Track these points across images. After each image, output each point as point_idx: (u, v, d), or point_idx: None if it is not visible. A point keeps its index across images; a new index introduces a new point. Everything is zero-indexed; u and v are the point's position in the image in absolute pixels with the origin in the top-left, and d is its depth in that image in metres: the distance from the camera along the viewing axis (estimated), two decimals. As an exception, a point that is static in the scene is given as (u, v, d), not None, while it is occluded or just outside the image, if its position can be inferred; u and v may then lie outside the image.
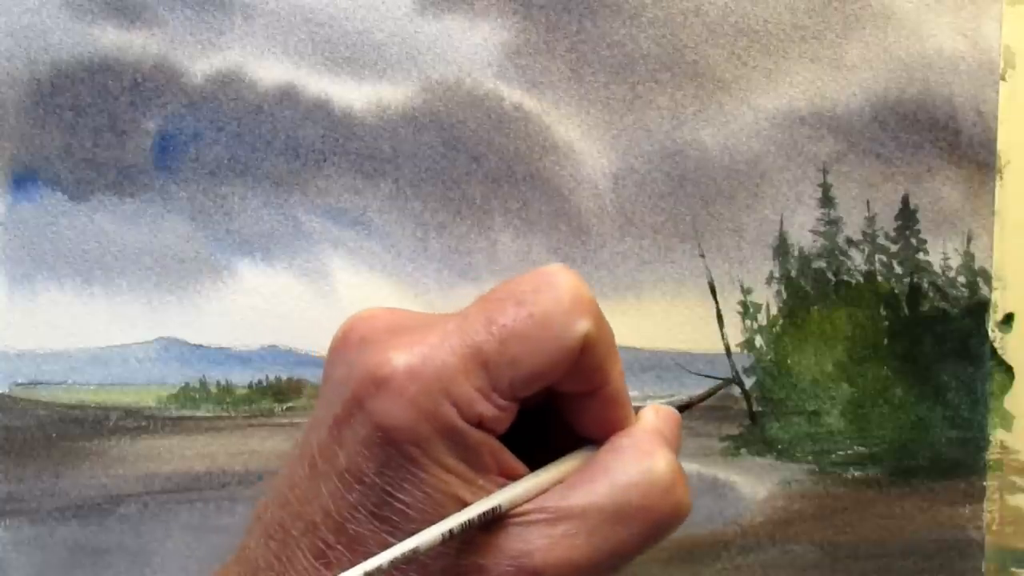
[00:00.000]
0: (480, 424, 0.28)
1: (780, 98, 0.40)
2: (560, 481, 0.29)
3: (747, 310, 0.40)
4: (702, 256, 0.40)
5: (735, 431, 0.40)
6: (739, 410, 0.41)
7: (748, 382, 0.40)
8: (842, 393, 0.41)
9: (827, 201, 0.40)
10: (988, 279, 0.41)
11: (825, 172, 0.40)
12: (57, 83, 0.39)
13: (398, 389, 0.27)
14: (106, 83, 0.39)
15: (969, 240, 0.41)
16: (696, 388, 0.41)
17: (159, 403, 0.39)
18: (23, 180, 0.39)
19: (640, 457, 0.29)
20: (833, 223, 0.40)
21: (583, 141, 0.39)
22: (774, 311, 0.40)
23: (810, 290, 0.41)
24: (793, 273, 0.40)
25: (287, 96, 0.39)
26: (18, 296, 0.39)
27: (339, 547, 0.28)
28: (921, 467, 0.41)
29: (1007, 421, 0.41)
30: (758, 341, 0.40)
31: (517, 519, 0.28)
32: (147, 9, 0.39)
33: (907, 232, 0.41)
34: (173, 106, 0.39)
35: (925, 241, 0.41)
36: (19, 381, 0.39)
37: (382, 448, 0.27)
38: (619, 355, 0.30)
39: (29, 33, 0.38)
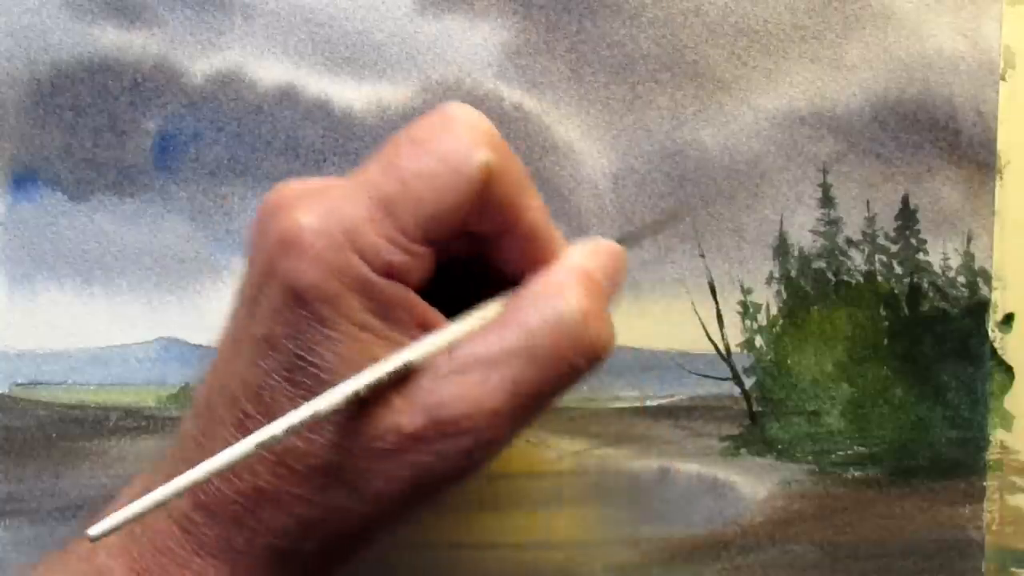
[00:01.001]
0: (391, 274, 0.27)
1: (780, 98, 0.40)
2: (474, 330, 0.29)
3: (747, 310, 0.40)
4: (702, 256, 0.40)
5: (735, 431, 0.40)
6: (739, 410, 0.41)
7: (748, 382, 0.41)
8: (842, 393, 0.41)
9: (827, 201, 0.40)
10: (988, 279, 0.41)
11: (825, 172, 0.40)
12: (57, 83, 0.39)
13: (305, 247, 0.26)
14: (106, 83, 0.39)
15: (969, 240, 0.41)
16: (696, 388, 0.41)
17: (159, 403, 0.39)
18: (23, 180, 0.39)
19: (551, 295, 0.28)
20: (833, 223, 0.40)
21: (583, 141, 0.39)
22: (774, 311, 0.40)
23: (810, 290, 0.41)
24: (793, 273, 0.40)
25: (287, 96, 0.39)
26: (18, 296, 0.39)
27: (257, 416, 0.27)
28: (921, 467, 0.41)
29: (1007, 421, 0.41)
30: (758, 341, 0.40)
31: (429, 372, 0.27)
32: (147, 9, 0.39)
33: (907, 232, 0.41)
34: (173, 106, 0.39)
35: (925, 241, 0.41)
36: (19, 381, 0.39)
37: (292, 310, 0.27)
38: (535, 191, 0.29)
39: (29, 33, 0.38)
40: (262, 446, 0.25)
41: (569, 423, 0.40)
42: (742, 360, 0.40)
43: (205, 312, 0.39)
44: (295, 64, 0.39)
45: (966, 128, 0.40)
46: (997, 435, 0.41)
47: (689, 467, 0.40)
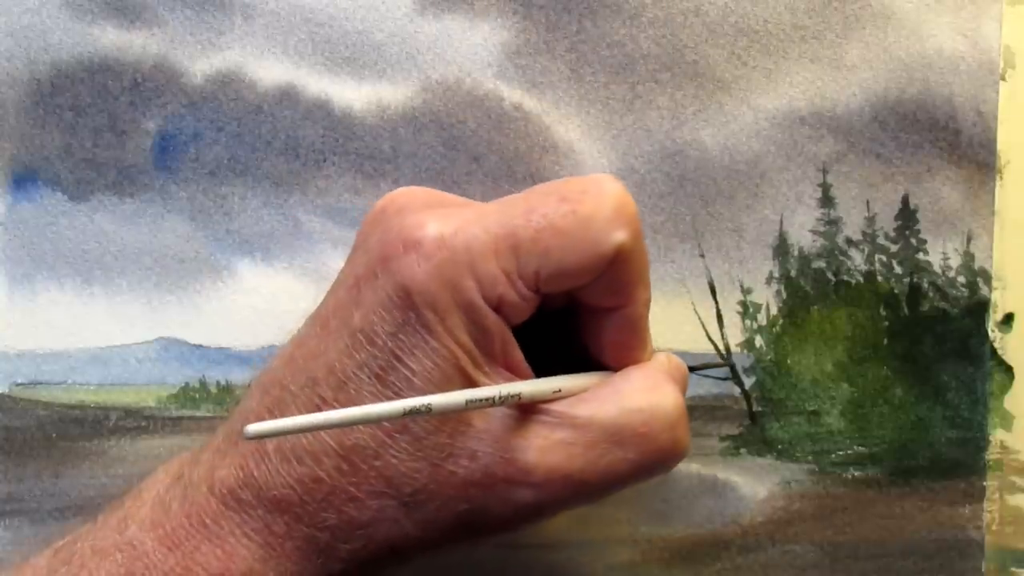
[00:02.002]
0: (499, 308, 0.27)
1: (780, 98, 0.40)
2: (571, 394, 0.29)
3: (747, 310, 0.40)
4: (702, 256, 0.40)
5: (735, 431, 0.40)
6: (739, 410, 0.41)
7: (748, 382, 0.41)
8: (842, 393, 0.41)
9: (827, 201, 0.40)
10: (988, 279, 0.41)
11: (825, 172, 0.40)
12: (57, 83, 0.39)
13: (426, 253, 0.26)
14: (106, 83, 0.39)
15: (969, 240, 0.41)
16: (696, 388, 0.41)
17: (159, 403, 0.39)
18: (23, 180, 0.39)
19: (651, 387, 0.29)
20: (833, 223, 0.40)
21: (583, 141, 0.39)
22: (774, 311, 0.40)
23: (810, 290, 0.41)
24: (793, 273, 0.40)
25: (287, 96, 0.39)
26: (18, 296, 0.39)
27: (335, 404, 0.27)
28: (921, 467, 0.41)
29: (1007, 421, 0.41)
30: (758, 341, 0.40)
31: (520, 415, 0.28)
32: (147, 9, 0.39)
33: (907, 232, 0.41)
34: (173, 106, 0.39)
35: (925, 241, 0.41)
36: (19, 381, 0.39)
37: (400, 310, 0.27)
38: (649, 286, 0.30)
39: (29, 33, 0.39)
40: (410, 412, 0.25)
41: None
42: (742, 360, 0.40)
43: (205, 312, 0.39)
44: (295, 64, 0.39)
45: (966, 128, 0.40)
46: (997, 435, 0.41)
47: (689, 467, 0.40)
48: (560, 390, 0.28)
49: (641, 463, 0.28)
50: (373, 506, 0.28)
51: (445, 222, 0.27)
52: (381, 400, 0.27)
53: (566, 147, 0.39)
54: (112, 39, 0.39)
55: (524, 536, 0.40)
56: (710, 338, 0.40)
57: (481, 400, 0.26)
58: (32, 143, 0.39)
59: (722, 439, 0.40)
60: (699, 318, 0.40)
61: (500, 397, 0.27)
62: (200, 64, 0.39)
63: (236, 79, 0.39)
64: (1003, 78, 0.40)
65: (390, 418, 0.25)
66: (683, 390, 0.31)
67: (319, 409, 0.27)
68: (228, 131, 0.39)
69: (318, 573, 0.28)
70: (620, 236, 0.28)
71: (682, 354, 0.40)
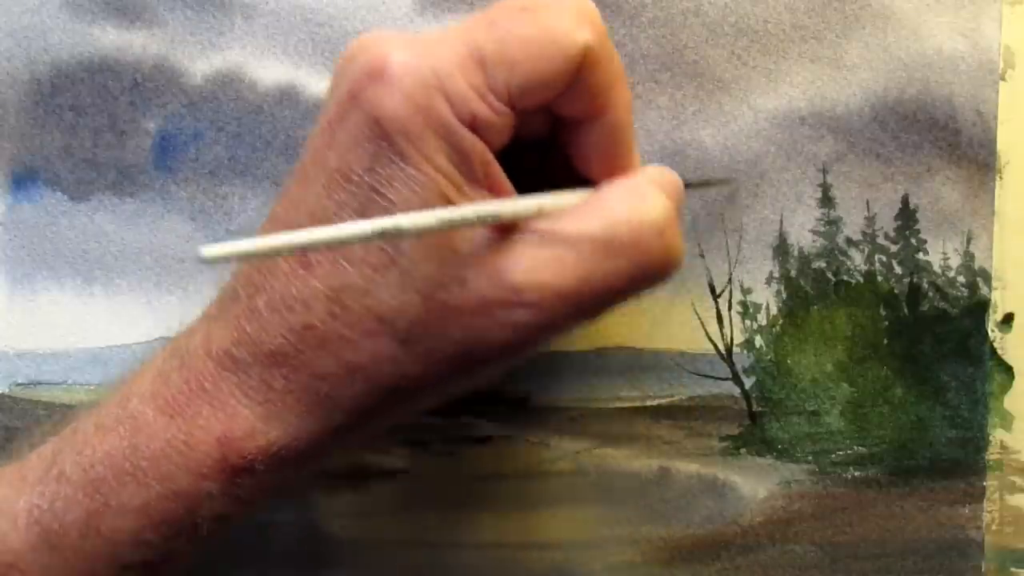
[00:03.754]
0: (474, 126, 0.27)
1: (780, 98, 0.40)
2: (556, 211, 0.28)
3: (747, 310, 0.40)
4: (702, 256, 0.40)
5: (735, 431, 0.40)
6: (739, 410, 0.41)
7: (748, 382, 0.41)
8: (842, 393, 0.41)
9: (827, 201, 0.40)
10: (988, 279, 0.41)
11: (825, 172, 0.40)
12: (57, 83, 0.39)
13: (393, 80, 0.26)
14: (106, 83, 0.39)
15: (969, 240, 0.41)
16: (696, 388, 0.41)
17: (159, 403, 0.39)
18: (23, 180, 0.39)
19: (637, 197, 0.28)
20: (833, 223, 0.40)
21: (583, 141, 0.39)
22: (774, 311, 0.40)
23: (810, 290, 0.41)
24: (793, 273, 0.40)
25: (287, 96, 0.39)
26: (18, 296, 0.39)
27: (321, 249, 0.27)
28: (921, 467, 0.41)
29: (1007, 421, 0.41)
30: (758, 341, 0.40)
31: (505, 236, 0.27)
32: (147, 9, 0.39)
33: (907, 232, 0.41)
34: (173, 106, 0.39)
35: (925, 241, 0.41)
36: (19, 381, 0.39)
37: (373, 142, 0.26)
38: (628, 89, 0.29)
39: (29, 33, 0.39)
40: (378, 234, 0.25)
41: (569, 423, 0.40)
42: (742, 360, 0.40)
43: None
44: (295, 64, 0.39)
45: (966, 128, 0.40)
46: (997, 435, 0.41)
47: (689, 467, 0.40)
48: (543, 207, 0.28)
49: (634, 273, 0.28)
50: (369, 347, 0.27)
51: (408, 49, 0.27)
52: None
53: (566, 147, 0.39)
54: (112, 39, 0.39)
55: (524, 536, 0.40)
56: (710, 338, 0.40)
57: (456, 220, 0.26)
58: (32, 143, 0.39)
59: (722, 439, 0.40)
60: (699, 318, 0.40)
61: (478, 216, 0.26)
62: (200, 64, 0.39)
63: (236, 79, 0.39)
64: (1003, 78, 0.40)
65: (359, 240, 0.25)
66: (675, 200, 0.29)
67: (307, 262, 0.27)
68: (228, 131, 0.39)
69: (322, 424, 0.28)
70: (584, 36, 0.27)
71: (682, 354, 0.40)
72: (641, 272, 0.28)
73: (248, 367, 0.28)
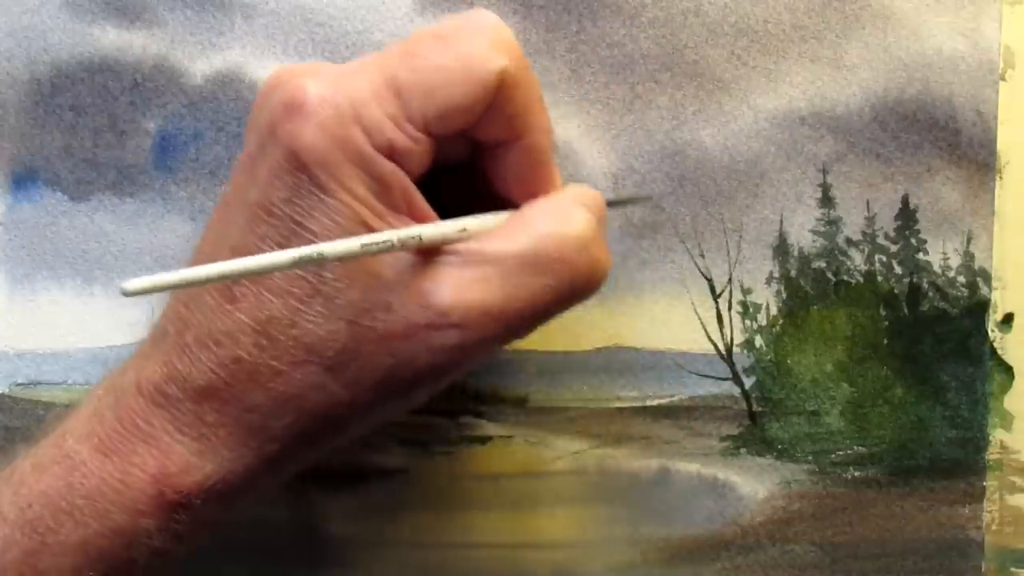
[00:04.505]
0: (392, 155, 0.27)
1: (780, 98, 0.40)
2: (479, 233, 0.28)
3: (747, 310, 0.40)
4: (702, 256, 0.40)
5: (735, 431, 0.40)
6: (739, 410, 0.41)
7: (748, 382, 0.41)
8: (842, 393, 0.41)
9: (827, 201, 0.40)
10: (988, 279, 0.41)
11: (825, 172, 0.40)
12: (57, 83, 0.39)
13: (309, 113, 0.26)
14: (106, 83, 0.39)
15: (969, 240, 0.41)
16: (696, 388, 0.41)
17: (159, 403, 0.39)
18: (23, 180, 0.39)
19: (559, 213, 0.28)
20: (833, 223, 0.40)
21: (583, 141, 0.39)
22: (774, 311, 0.40)
23: (810, 290, 0.41)
24: (793, 273, 0.40)
25: (287, 96, 0.39)
26: (18, 296, 0.39)
27: (245, 282, 0.27)
28: (921, 467, 0.41)
29: (1007, 421, 0.41)
30: (758, 341, 0.40)
31: (429, 260, 0.27)
32: (147, 9, 0.39)
33: (907, 232, 0.41)
34: (173, 106, 0.39)
35: (925, 241, 0.41)
36: (19, 381, 0.39)
37: (292, 174, 0.26)
38: (546, 113, 0.30)
39: (29, 33, 0.39)
40: (301, 262, 0.25)
41: (569, 423, 0.40)
42: (742, 360, 0.40)
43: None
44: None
45: (966, 128, 0.40)
46: (997, 435, 0.41)
47: (689, 467, 0.40)
48: (466, 229, 0.28)
49: (560, 288, 0.28)
50: (298, 376, 0.27)
51: (324, 81, 0.27)
52: (290, 273, 0.27)
53: (566, 147, 0.39)
54: (112, 39, 0.39)
55: (524, 536, 0.40)
56: (710, 338, 0.40)
57: (377, 244, 0.26)
58: (32, 143, 0.39)
59: (722, 439, 0.40)
60: (699, 318, 0.40)
61: (399, 240, 0.26)
62: (200, 64, 0.39)
63: (236, 79, 0.39)
64: (1003, 78, 0.40)
65: (280, 268, 0.25)
66: (597, 216, 0.30)
67: (232, 295, 0.27)
68: (228, 131, 0.39)
69: (256, 456, 0.28)
70: (499, 62, 0.27)
71: (682, 354, 0.40)
72: (567, 287, 0.28)
73: (179, 403, 0.28)
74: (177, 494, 0.28)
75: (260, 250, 0.27)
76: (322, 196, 0.26)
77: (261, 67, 0.39)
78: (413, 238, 0.26)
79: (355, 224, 0.26)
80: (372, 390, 0.28)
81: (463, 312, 0.27)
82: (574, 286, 0.28)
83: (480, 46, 0.27)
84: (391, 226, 0.27)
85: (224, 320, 0.27)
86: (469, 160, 0.31)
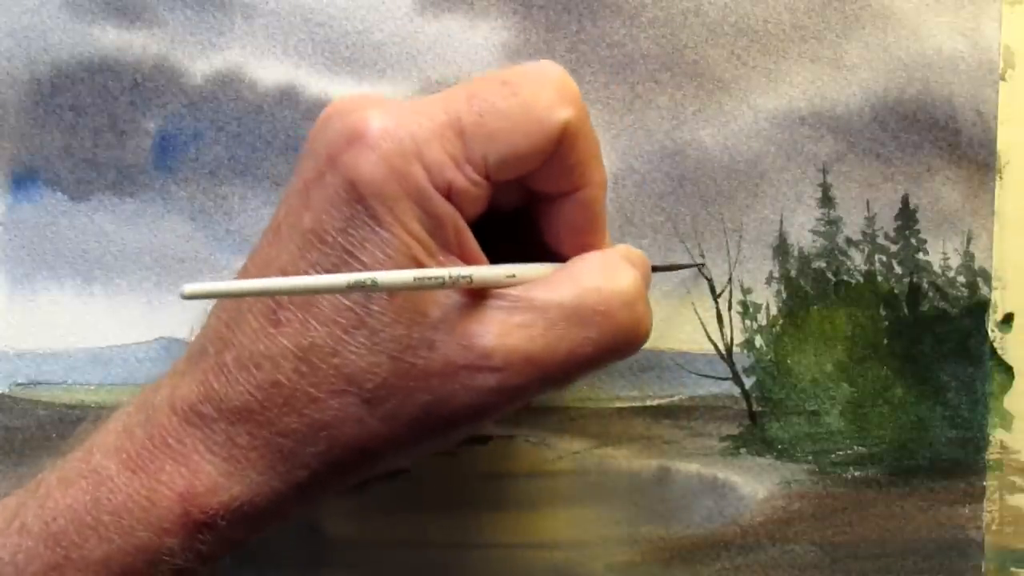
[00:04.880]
0: (449, 195, 0.27)
1: (780, 98, 0.40)
2: (526, 280, 0.29)
3: (747, 310, 0.40)
4: (702, 256, 0.40)
5: (735, 431, 0.40)
6: (739, 410, 0.41)
7: (748, 382, 0.41)
8: (842, 393, 0.41)
9: (827, 201, 0.40)
10: (988, 279, 0.41)
11: (825, 172, 0.40)
12: (57, 83, 0.39)
13: (370, 145, 0.26)
14: (106, 83, 0.39)
15: (969, 240, 0.41)
16: (696, 388, 0.41)
17: (159, 403, 0.39)
18: (23, 180, 0.39)
19: (607, 268, 0.29)
20: (833, 223, 0.40)
21: (583, 141, 0.39)
22: (774, 311, 0.40)
23: (810, 290, 0.41)
24: (793, 273, 0.40)
25: (287, 96, 0.39)
26: (18, 296, 0.39)
27: (291, 307, 0.27)
28: (921, 467, 0.41)
29: (1007, 421, 0.41)
30: (758, 341, 0.40)
31: (475, 302, 0.27)
32: (147, 9, 0.39)
33: (907, 232, 0.41)
34: (173, 106, 0.39)
35: (925, 241, 0.41)
36: (19, 381, 0.39)
37: (348, 204, 0.26)
38: (603, 167, 0.30)
39: (29, 33, 0.39)
40: (355, 286, 0.25)
41: (569, 423, 0.40)
42: (742, 360, 0.40)
43: (205, 312, 0.39)
44: (295, 64, 0.39)
45: (966, 128, 0.40)
46: (997, 435, 0.41)
47: (689, 467, 0.40)
48: (515, 275, 0.28)
49: (602, 342, 0.28)
50: (335, 406, 0.27)
51: (388, 114, 0.27)
52: (338, 303, 0.27)
53: (566, 147, 0.39)
54: (112, 39, 0.39)
55: (524, 536, 0.40)
56: (710, 338, 0.40)
57: (430, 279, 0.26)
58: (32, 143, 0.39)
59: (722, 439, 0.40)
60: (699, 318, 0.40)
61: (450, 277, 0.26)
62: (200, 64, 0.39)
63: (236, 79, 0.39)
64: (1003, 78, 0.40)
65: (334, 290, 0.25)
66: (643, 276, 0.30)
67: (276, 318, 0.27)
68: (228, 131, 0.39)
69: (285, 481, 0.28)
70: (564, 114, 0.27)
71: (682, 354, 0.40)
72: (609, 341, 0.28)
73: (213, 423, 0.28)
74: (203, 514, 0.28)
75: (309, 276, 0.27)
76: (376, 228, 0.26)
77: (261, 67, 0.39)
78: (464, 278, 0.26)
79: (406, 259, 0.27)
80: (407, 426, 0.28)
81: (505, 356, 0.27)
82: (616, 341, 0.29)
83: (546, 96, 0.27)
84: (441, 264, 0.27)
85: (266, 343, 0.27)
86: (522, 208, 0.31)
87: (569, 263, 0.29)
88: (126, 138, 0.39)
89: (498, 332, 0.27)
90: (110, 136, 0.39)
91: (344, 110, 0.28)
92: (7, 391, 0.39)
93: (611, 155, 0.40)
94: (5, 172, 0.39)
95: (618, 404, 0.40)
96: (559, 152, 0.28)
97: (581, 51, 0.39)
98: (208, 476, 0.28)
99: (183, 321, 0.39)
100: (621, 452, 0.40)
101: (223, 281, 0.24)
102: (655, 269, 0.32)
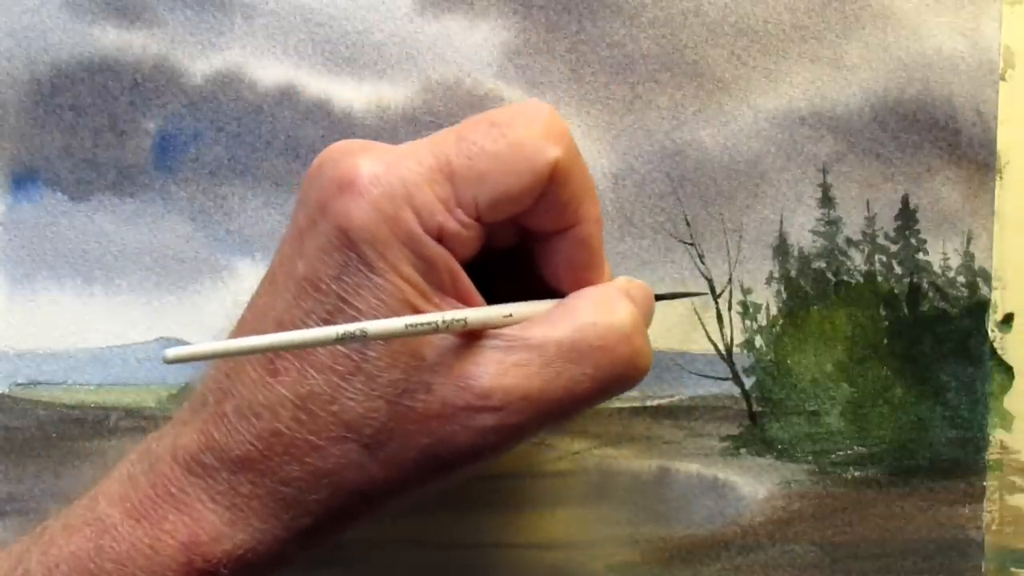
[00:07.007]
0: (441, 238, 0.27)
1: (780, 98, 0.40)
2: (523, 319, 0.29)
3: (747, 310, 0.40)
4: (702, 256, 0.40)
5: (735, 431, 0.40)
6: (739, 410, 0.41)
7: (748, 382, 0.41)
8: (842, 393, 0.41)
9: (827, 201, 0.40)
10: (988, 279, 0.41)
11: (825, 172, 0.40)
12: (57, 83, 0.39)
13: (361, 191, 0.26)
14: (106, 83, 0.39)
15: (969, 240, 0.41)
16: (696, 388, 0.41)
17: (159, 403, 0.39)
18: (23, 180, 0.39)
19: (603, 303, 0.29)
20: (833, 223, 0.40)
21: (583, 141, 0.39)
22: (774, 311, 0.40)
23: (810, 290, 0.41)
24: (793, 273, 0.40)
25: (287, 96, 0.39)
26: (18, 296, 0.39)
27: (288, 356, 0.27)
28: (921, 467, 0.41)
29: (1007, 421, 0.41)
30: (758, 341, 0.40)
31: (471, 343, 0.27)
32: (147, 9, 0.39)
33: (907, 232, 0.41)
34: (173, 106, 0.39)
35: (925, 241, 0.41)
36: (19, 381, 0.39)
37: (341, 251, 0.27)
38: (597, 204, 0.30)
39: (29, 33, 0.39)
40: (344, 338, 0.25)
41: (569, 423, 0.40)
42: (742, 360, 0.40)
43: (205, 312, 0.39)
44: (295, 64, 0.39)
45: (966, 128, 0.40)
46: (997, 435, 0.41)
47: (689, 467, 0.40)
48: (511, 315, 0.28)
49: (601, 378, 0.28)
50: (335, 452, 0.27)
51: (377, 160, 0.27)
52: (334, 349, 0.27)
53: (566, 147, 0.39)
54: (112, 39, 0.39)
55: (524, 536, 0.40)
56: (710, 338, 0.40)
57: (422, 325, 0.26)
58: (32, 143, 0.39)
59: (722, 439, 0.40)
60: (699, 318, 0.40)
61: (443, 322, 0.26)
62: (200, 64, 0.39)
63: (236, 79, 0.39)
64: (1003, 78, 0.40)
65: (322, 343, 0.25)
66: (644, 309, 0.30)
67: (274, 368, 0.27)
68: (228, 131, 0.39)
69: (288, 529, 0.28)
70: (553, 153, 0.27)
71: (682, 354, 0.40)
72: (607, 376, 0.28)
73: (215, 472, 0.28)
74: (206, 563, 0.28)
75: (305, 324, 0.27)
76: (369, 274, 0.27)
77: (261, 67, 0.39)
78: (458, 321, 0.27)
79: (400, 304, 0.27)
80: (409, 469, 0.28)
81: (503, 395, 0.27)
82: (614, 375, 0.28)
83: (534, 136, 0.27)
84: (436, 307, 0.27)
85: (265, 393, 0.27)
86: (518, 246, 0.31)
87: (566, 299, 0.30)
88: (126, 138, 0.39)
89: (495, 372, 0.27)
90: (110, 136, 0.39)
91: (335, 157, 0.28)
92: (7, 391, 0.39)
93: (611, 155, 0.40)
94: (5, 172, 0.39)
95: (618, 404, 0.40)
96: (550, 191, 0.28)
97: (581, 51, 0.39)
98: (211, 525, 0.28)
99: (183, 321, 0.39)
100: (621, 452, 0.40)
101: (207, 343, 0.24)
102: (659, 298, 0.32)
